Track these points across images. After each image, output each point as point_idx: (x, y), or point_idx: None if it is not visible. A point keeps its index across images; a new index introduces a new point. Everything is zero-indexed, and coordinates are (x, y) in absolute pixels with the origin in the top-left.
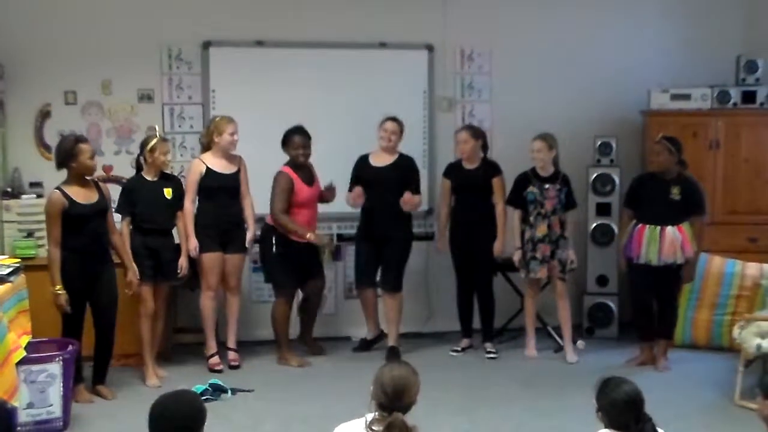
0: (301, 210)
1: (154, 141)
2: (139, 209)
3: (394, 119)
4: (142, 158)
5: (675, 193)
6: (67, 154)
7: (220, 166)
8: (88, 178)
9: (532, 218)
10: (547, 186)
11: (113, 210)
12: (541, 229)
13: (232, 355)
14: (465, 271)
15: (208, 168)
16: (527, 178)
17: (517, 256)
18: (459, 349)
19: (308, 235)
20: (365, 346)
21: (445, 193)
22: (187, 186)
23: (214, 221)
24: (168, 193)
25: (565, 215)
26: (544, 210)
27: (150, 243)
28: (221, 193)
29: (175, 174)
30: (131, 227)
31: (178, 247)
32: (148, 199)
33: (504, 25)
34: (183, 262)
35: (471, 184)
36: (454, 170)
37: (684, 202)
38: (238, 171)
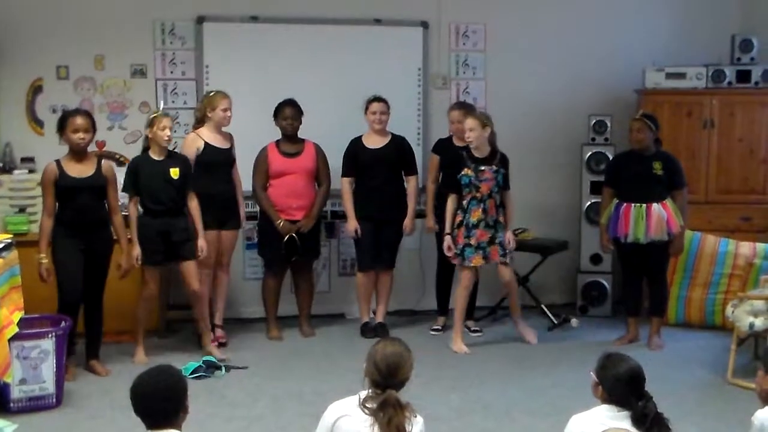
0: (276, 181)
1: (154, 115)
2: (144, 189)
3: (379, 99)
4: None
5: (657, 168)
6: (58, 125)
7: (216, 140)
8: (91, 151)
9: (465, 202)
10: (482, 168)
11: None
12: (475, 214)
13: (219, 332)
14: None
15: (206, 143)
16: (461, 160)
17: (446, 242)
18: (439, 327)
19: (277, 222)
20: (372, 329)
21: (434, 170)
22: None
23: (211, 198)
24: (174, 173)
25: (504, 196)
26: (480, 194)
27: (159, 225)
28: (219, 168)
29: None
30: (141, 209)
31: (190, 228)
32: (153, 179)
33: (499, 2)
34: (201, 243)
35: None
36: (444, 146)
37: (666, 177)
38: (231, 147)
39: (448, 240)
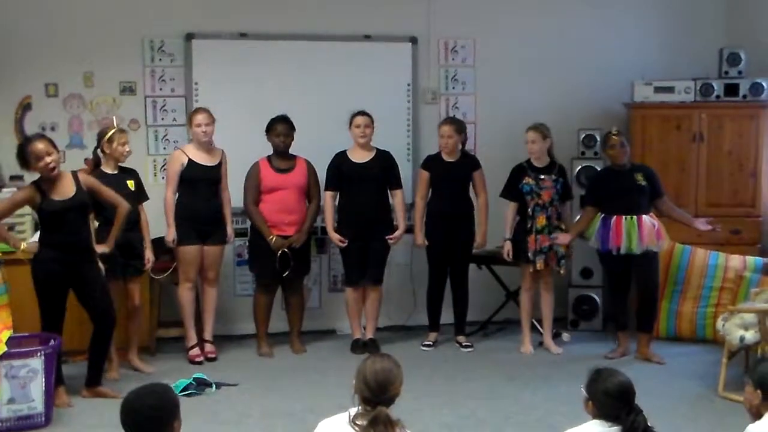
0: (268, 197)
1: (112, 131)
2: (105, 204)
3: (363, 113)
4: (99, 151)
5: (640, 179)
6: (23, 161)
7: (201, 158)
8: (66, 172)
9: (530, 210)
10: (542, 176)
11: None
12: (540, 221)
13: (209, 347)
14: (440, 263)
15: (190, 159)
16: (522, 169)
17: (507, 248)
18: (430, 343)
19: (269, 238)
20: (362, 346)
21: (423, 186)
22: (168, 176)
23: (194, 213)
24: (131, 185)
25: (563, 206)
26: (542, 201)
27: (120, 238)
28: (202, 185)
29: (159, 166)
30: (97, 222)
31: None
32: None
33: (488, 17)
34: (149, 255)
35: (451, 176)
36: (433, 162)
37: (650, 186)
38: (220, 164)
39: (508, 245)
